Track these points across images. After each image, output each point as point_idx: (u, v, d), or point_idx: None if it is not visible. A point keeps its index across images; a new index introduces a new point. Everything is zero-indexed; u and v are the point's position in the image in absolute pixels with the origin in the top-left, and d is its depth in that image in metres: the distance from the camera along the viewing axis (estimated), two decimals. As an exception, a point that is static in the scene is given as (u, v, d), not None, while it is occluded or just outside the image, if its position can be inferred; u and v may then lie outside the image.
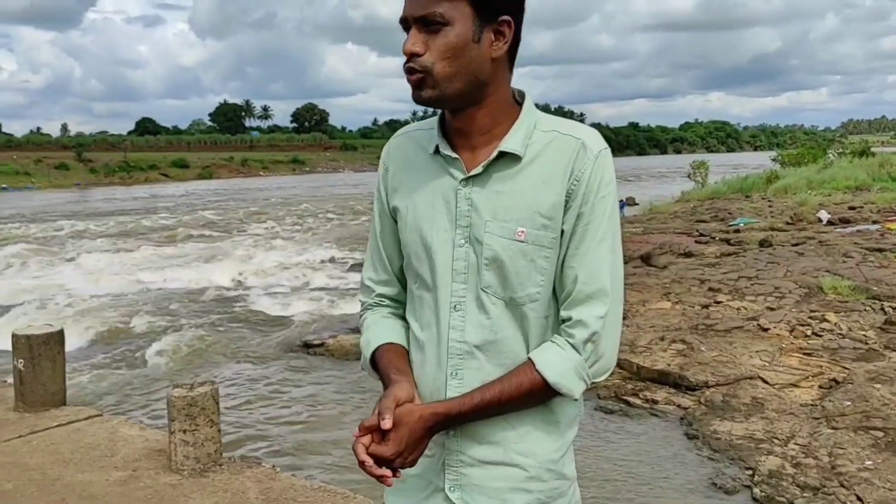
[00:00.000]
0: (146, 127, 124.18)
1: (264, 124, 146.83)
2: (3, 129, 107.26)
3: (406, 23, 1.18)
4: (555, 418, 1.23)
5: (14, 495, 3.38)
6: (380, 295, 1.35)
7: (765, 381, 6.51)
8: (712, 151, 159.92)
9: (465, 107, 1.20)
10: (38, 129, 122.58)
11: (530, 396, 1.17)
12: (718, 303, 9.09)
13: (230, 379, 8.28)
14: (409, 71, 1.16)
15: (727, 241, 14.92)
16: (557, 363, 1.17)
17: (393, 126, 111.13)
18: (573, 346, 1.18)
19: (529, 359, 1.19)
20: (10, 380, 4.86)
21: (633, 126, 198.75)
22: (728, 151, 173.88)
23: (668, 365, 7.01)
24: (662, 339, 7.68)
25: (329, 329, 10.28)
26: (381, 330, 1.31)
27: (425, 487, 1.24)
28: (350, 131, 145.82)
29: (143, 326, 11.10)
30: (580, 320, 1.17)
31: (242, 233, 25.31)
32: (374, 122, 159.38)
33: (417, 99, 1.17)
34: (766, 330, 7.78)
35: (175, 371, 8.65)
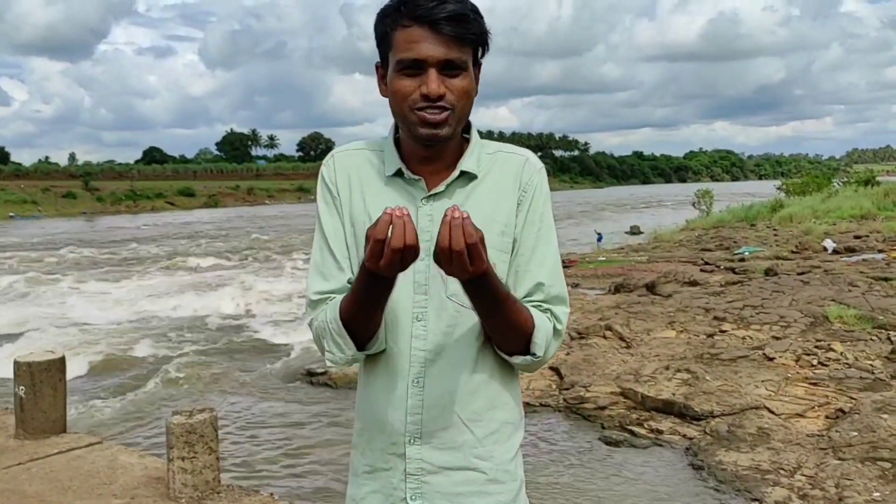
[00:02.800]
0: (153, 156, 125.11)
1: (270, 153, 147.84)
2: (13, 159, 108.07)
3: (420, 64, 1.21)
4: (508, 421, 1.30)
5: None
6: (322, 293, 1.37)
7: (770, 411, 6.45)
8: (717, 180, 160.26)
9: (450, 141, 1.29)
10: (47, 158, 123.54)
11: (516, 330, 1.23)
12: (723, 332, 9.04)
13: (231, 407, 8.23)
14: (436, 110, 1.22)
15: (732, 270, 14.89)
16: (544, 326, 1.26)
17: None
18: (554, 327, 1.28)
19: (526, 307, 1.26)
20: (12, 406, 4.84)
21: (638, 155, 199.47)
22: (733, 180, 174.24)
23: (673, 394, 6.95)
24: (667, 368, 7.63)
25: (332, 357, 10.23)
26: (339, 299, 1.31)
27: (383, 501, 1.26)
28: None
29: (145, 354, 11.09)
30: (555, 314, 1.28)
31: (247, 261, 25.35)
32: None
33: (434, 137, 1.23)
34: (771, 359, 7.73)
35: (176, 399, 8.61)
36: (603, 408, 7.05)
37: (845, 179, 40.40)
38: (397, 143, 1.33)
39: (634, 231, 32.47)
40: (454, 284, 1.21)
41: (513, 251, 1.30)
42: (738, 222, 26.22)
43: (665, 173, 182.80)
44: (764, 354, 7.87)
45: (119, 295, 17.29)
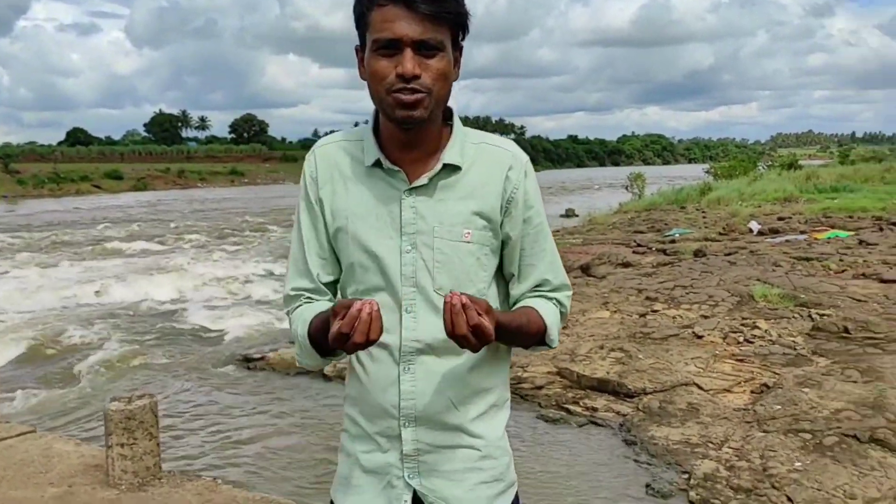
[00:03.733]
0: (77, 137, 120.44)
1: (202, 135, 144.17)
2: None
3: (396, 44, 1.20)
4: (496, 403, 1.35)
5: None
6: (308, 299, 1.39)
7: (700, 387, 6.70)
8: (648, 164, 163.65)
9: (427, 125, 1.27)
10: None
11: (531, 339, 1.31)
12: (655, 311, 9.31)
13: (169, 393, 8.09)
14: (409, 91, 1.21)
15: (663, 252, 15.28)
16: (552, 316, 1.33)
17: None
18: (560, 312, 1.36)
19: (535, 309, 1.33)
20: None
21: (573, 139, 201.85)
22: (664, 164, 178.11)
23: (608, 373, 7.15)
24: (602, 347, 7.83)
25: (269, 343, 10.15)
26: (314, 307, 1.35)
27: (379, 481, 1.31)
28: (290, 143, 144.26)
29: (77, 342, 10.75)
30: (560, 300, 1.35)
31: (180, 246, 24.78)
32: (315, 133, 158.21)
33: (409, 118, 1.23)
34: (700, 337, 8.01)
35: (110, 387, 8.41)
36: (540, 387, 7.20)
37: (770, 163, 41.86)
38: (378, 132, 1.33)
39: (569, 214, 32.95)
40: (440, 277, 1.25)
41: (511, 247, 1.35)
42: (668, 205, 26.90)
43: (599, 157, 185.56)
44: (693, 333, 8.15)
45: (45, 281, 16.69)
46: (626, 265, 13.62)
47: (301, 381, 8.30)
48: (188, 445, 6.62)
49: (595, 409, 6.67)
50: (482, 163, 1.31)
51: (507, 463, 1.38)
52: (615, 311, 9.55)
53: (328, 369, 8.14)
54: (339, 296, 1.41)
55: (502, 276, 1.41)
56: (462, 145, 1.31)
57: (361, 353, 1.33)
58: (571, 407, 6.77)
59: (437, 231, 1.27)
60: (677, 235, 17.82)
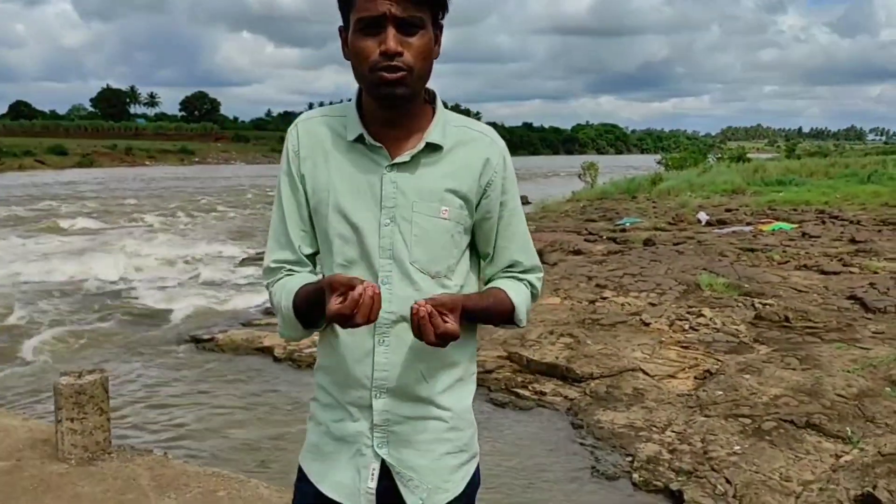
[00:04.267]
0: (21, 111, 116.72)
1: (151, 112, 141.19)
2: None
3: (378, 21, 1.23)
4: (462, 377, 1.41)
5: None
6: (289, 271, 1.42)
7: (645, 373, 6.85)
8: (602, 153, 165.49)
9: (410, 103, 1.31)
10: None
11: (500, 318, 1.38)
12: (605, 298, 9.48)
13: (116, 372, 7.95)
14: (392, 69, 1.24)
15: (614, 240, 15.53)
16: (521, 296, 1.40)
17: (288, 118, 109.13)
18: (531, 293, 1.43)
19: (504, 290, 1.39)
20: None
21: (528, 126, 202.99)
22: (617, 153, 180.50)
23: (557, 358, 7.26)
24: (552, 332, 7.94)
25: (218, 324, 10.05)
26: (298, 279, 1.39)
27: (348, 449, 1.35)
28: (243, 122, 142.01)
29: (21, 320, 10.47)
30: (531, 282, 1.43)
31: (127, 224, 24.27)
32: (268, 114, 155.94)
33: (391, 96, 1.26)
34: (647, 324, 8.18)
35: (58, 366, 8.24)
36: (490, 371, 7.28)
37: (719, 155, 42.70)
38: (360, 108, 1.36)
39: (522, 201, 33.16)
40: (417, 251, 1.30)
41: (485, 228, 1.41)
42: (620, 194, 27.29)
43: (553, 145, 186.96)
44: (641, 320, 8.32)
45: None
46: (577, 253, 13.81)
47: (251, 361, 8.25)
48: (138, 422, 6.55)
49: (543, 394, 6.77)
50: (463, 145, 1.36)
51: (471, 434, 1.44)
52: (565, 298, 9.68)
53: (278, 351, 8.11)
54: (317, 268, 1.44)
55: (475, 250, 1.47)
56: (444, 126, 1.36)
57: (337, 325, 1.34)
58: (520, 391, 6.87)
59: (416, 206, 1.31)
60: (628, 224, 18.11)
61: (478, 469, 1.47)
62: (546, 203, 26.91)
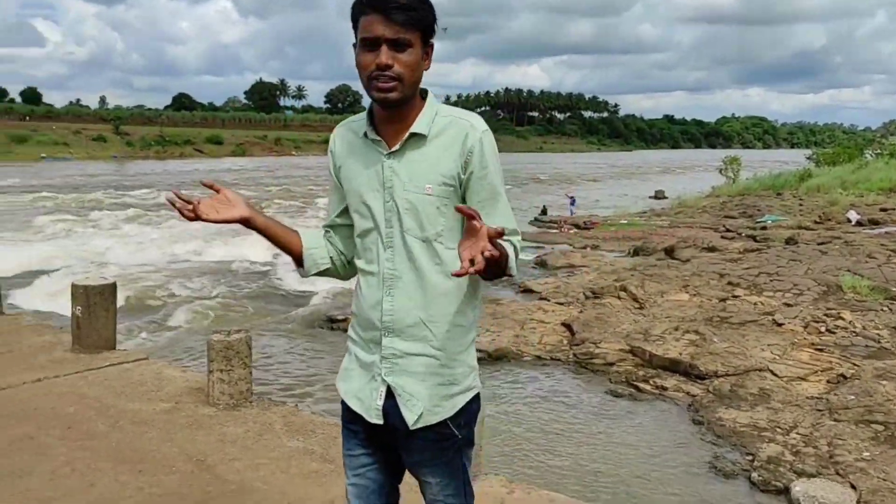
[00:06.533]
0: (182, 102, 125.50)
1: (298, 104, 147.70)
2: (45, 100, 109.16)
3: (374, 42, 1.57)
4: (459, 324, 1.71)
5: (76, 417, 3.83)
6: (325, 226, 1.88)
7: (773, 374, 6.68)
8: (748, 147, 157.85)
9: (403, 104, 1.64)
10: (78, 100, 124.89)
11: (495, 266, 1.57)
12: (736, 297, 9.23)
13: (259, 340, 8.71)
14: (386, 78, 1.57)
15: (753, 238, 14.97)
16: (511, 253, 1.64)
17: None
18: (515, 251, 1.67)
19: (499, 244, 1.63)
20: (65, 326, 5.29)
21: (669, 119, 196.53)
22: (764, 148, 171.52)
23: (680, 354, 7.20)
24: (677, 328, 7.86)
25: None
26: (311, 232, 1.86)
27: (366, 375, 1.73)
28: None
29: (178, 294, 11.62)
30: (513, 243, 1.67)
31: (276, 209, 25.73)
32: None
33: (385, 100, 1.60)
34: (780, 325, 7.92)
35: (206, 331, 9.14)
36: (611, 363, 7.32)
37: (878, 151, 39.74)
38: (371, 112, 1.72)
39: (659, 196, 32.36)
40: (408, 221, 1.64)
41: (461, 198, 1.66)
42: (764, 191, 26.11)
43: (695, 138, 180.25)
44: (773, 320, 8.07)
45: (149, 238, 17.76)
46: (711, 249, 13.44)
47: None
48: (274, 379, 7.48)
49: (665, 388, 6.75)
50: (447, 132, 1.66)
51: (464, 372, 1.73)
52: (694, 295, 9.51)
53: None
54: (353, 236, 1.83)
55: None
56: (432, 118, 1.66)
57: (360, 279, 1.75)
58: (641, 385, 6.87)
59: (406, 186, 1.64)
60: (769, 222, 17.37)
61: (475, 399, 1.75)
62: (683, 198, 26.15)
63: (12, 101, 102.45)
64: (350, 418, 1.78)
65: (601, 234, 18.75)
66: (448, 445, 1.72)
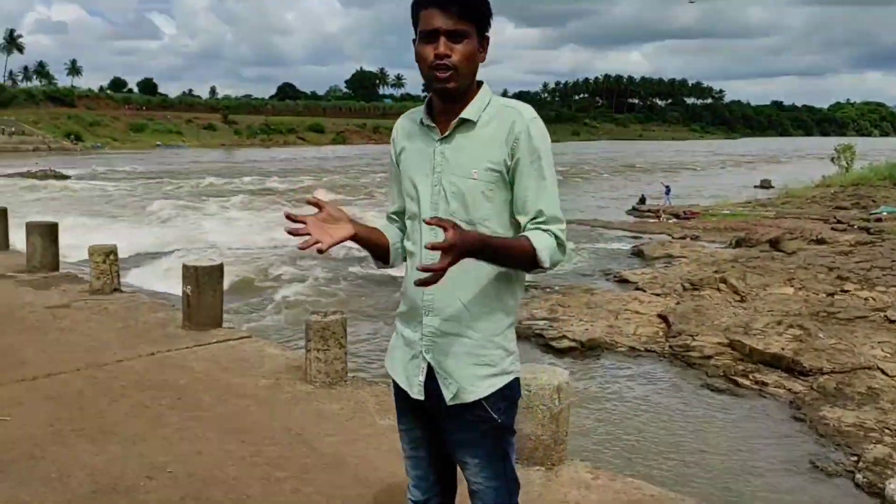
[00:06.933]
0: (287, 92, 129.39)
1: (397, 92, 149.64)
2: (160, 90, 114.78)
3: (433, 34, 1.63)
4: (497, 308, 1.75)
5: (186, 389, 4.12)
6: (390, 214, 1.93)
7: (884, 373, 6.37)
8: (864, 135, 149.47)
9: (461, 95, 1.69)
10: (190, 90, 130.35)
11: (521, 256, 1.63)
12: (845, 291, 8.83)
13: (353, 321, 9.02)
14: (443, 68, 1.63)
15: (866, 230, 14.25)
16: (542, 242, 1.64)
17: (523, 97, 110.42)
18: (556, 241, 1.67)
19: (526, 236, 1.66)
20: (177, 305, 5.64)
21: (777, 105, 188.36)
22: (882, 135, 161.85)
23: (783, 349, 6.96)
24: (779, 323, 7.59)
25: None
26: (387, 225, 1.91)
27: (409, 352, 1.80)
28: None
29: (278, 277, 12.13)
30: (554, 232, 1.67)
31: (372, 197, 26.25)
32: (504, 94, 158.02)
33: (444, 90, 1.65)
34: (893, 322, 7.54)
35: (305, 312, 9.50)
36: (708, 357, 7.15)
37: None
38: (430, 101, 1.78)
39: (765, 185, 31.12)
40: (454, 204, 1.69)
41: (510, 184, 1.69)
42: (880, 181, 24.67)
43: (806, 125, 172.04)
44: (886, 316, 7.69)
45: (255, 222, 18.51)
46: (819, 242, 12.86)
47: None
48: (369, 359, 7.82)
49: (765, 384, 6.54)
50: (496, 119, 1.70)
51: (500, 355, 1.76)
52: (800, 288, 9.14)
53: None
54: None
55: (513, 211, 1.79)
56: (482, 107, 1.71)
57: (408, 259, 1.80)
58: (740, 379, 6.68)
59: (454, 170, 1.69)
60: (885, 214, 16.45)
61: (514, 385, 1.78)
62: (790, 188, 25.08)
63: (130, 91, 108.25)
64: (400, 394, 1.85)
65: (701, 224, 18.23)
66: (486, 428, 1.75)
